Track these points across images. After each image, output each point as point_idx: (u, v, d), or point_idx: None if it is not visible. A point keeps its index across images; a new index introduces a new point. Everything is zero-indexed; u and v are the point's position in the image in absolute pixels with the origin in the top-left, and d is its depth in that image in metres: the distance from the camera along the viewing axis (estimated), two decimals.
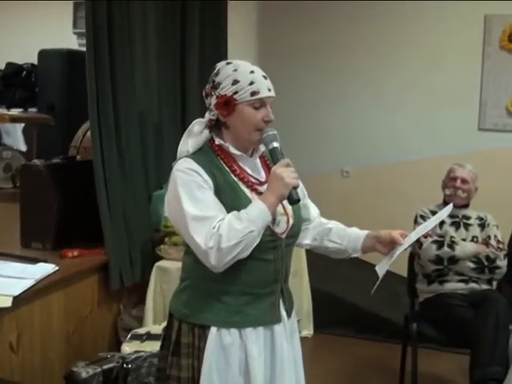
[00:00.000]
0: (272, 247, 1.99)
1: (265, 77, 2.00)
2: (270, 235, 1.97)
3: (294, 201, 1.90)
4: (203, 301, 2.01)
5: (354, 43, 5.62)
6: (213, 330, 1.97)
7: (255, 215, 1.86)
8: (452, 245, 3.69)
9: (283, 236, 2.01)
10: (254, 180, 2.02)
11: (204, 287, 2.02)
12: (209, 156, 2.01)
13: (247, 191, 1.98)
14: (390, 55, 5.54)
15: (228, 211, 1.90)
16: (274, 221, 1.96)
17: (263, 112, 1.97)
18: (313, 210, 2.25)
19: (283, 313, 2.07)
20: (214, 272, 1.91)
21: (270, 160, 2.05)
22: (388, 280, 5.54)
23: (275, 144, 1.95)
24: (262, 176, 2.06)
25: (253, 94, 1.95)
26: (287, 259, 2.08)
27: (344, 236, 2.22)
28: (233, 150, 2.01)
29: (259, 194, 1.97)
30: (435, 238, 3.76)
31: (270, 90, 1.98)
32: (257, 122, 1.96)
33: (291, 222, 2.03)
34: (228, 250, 1.84)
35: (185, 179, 1.96)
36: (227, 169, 1.99)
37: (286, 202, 1.98)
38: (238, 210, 1.89)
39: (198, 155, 2.01)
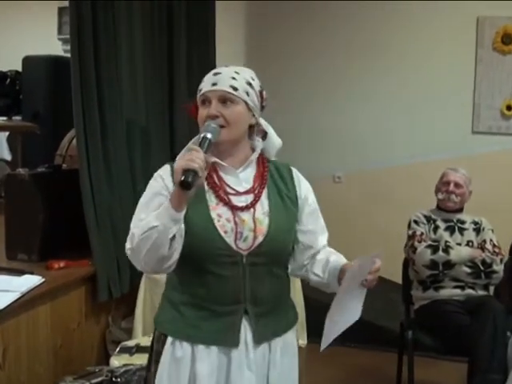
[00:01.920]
0: (229, 262, 1.91)
1: (217, 73, 1.98)
2: (225, 249, 1.89)
3: (180, 183, 1.73)
4: (167, 310, 2.02)
5: (343, 45, 5.59)
6: (169, 340, 1.96)
7: (161, 210, 1.80)
8: (447, 249, 3.65)
9: (245, 252, 1.91)
10: (229, 190, 1.95)
11: (170, 296, 2.03)
12: None
13: (213, 200, 1.93)
14: (381, 57, 5.50)
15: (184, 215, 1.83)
16: (237, 235, 1.89)
17: (208, 108, 1.93)
18: (321, 239, 2.08)
19: (246, 337, 1.95)
20: (178, 281, 1.96)
21: (275, 169, 2.04)
22: (383, 287, 5.51)
23: (207, 135, 1.85)
24: (245, 187, 1.97)
25: (200, 91, 1.98)
26: (256, 280, 1.94)
27: (325, 268, 2.04)
28: (217, 160, 1.96)
29: (227, 204, 1.92)
30: (430, 242, 3.71)
31: (214, 83, 1.94)
32: (201, 119, 1.94)
33: (259, 239, 1.92)
34: (137, 248, 1.83)
35: (149, 184, 2.00)
36: None
37: (261, 217, 1.93)
38: (192, 215, 1.85)
39: None
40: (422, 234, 3.76)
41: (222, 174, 1.98)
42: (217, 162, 1.96)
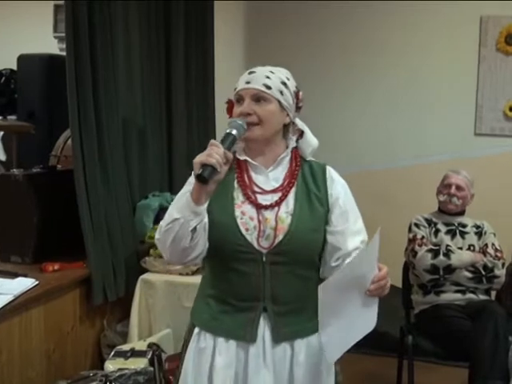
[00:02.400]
0: (249, 259, 1.95)
1: (251, 72, 2.01)
2: (246, 246, 1.94)
3: (197, 177, 1.80)
4: (198, 302, 2.11)
5: (343, 45, 5.56)
6: (196, 330, 2.06)
7: (182, 203, 1.87)
8: (448, 253, 3.61)
9: (265, 251, 1.94)
10: (256, 188, 2.00)
11: (202, 289, 2.11)
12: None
13: (240, 197, 1.98)
14: (383, 57, 5.48)
15: (208, 209, 1.91)
16: (260, 233, 1.93)
17: (242, 105, 1.98)
18: (351, 241, 2.02)
19: (264, 334, 1.98)
20: (208, 275, 2.06)
21: (309, 169, 2.06)
22: None
23: (233, 131, 1.90)
24: (273, 185, 2.00)
25: (235, 89, 2.01)
26: (276, 279, 1.95)
27: None
28: (248, 159, 2.03)
29: (252, 202, 1.97)
30: (430, 246, 3.67)
31: (248, 82, 1.98)
32: (235, 116, 1.98)
33: (280, 237, 1.94)
34: (163, 239, 1.91)
35: (188, 180, 2.03)
36: (236, 172, 2.02)
37: (284, 216, 1.95)
38: (217, 211, 1.94)
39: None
40: (423, 237, 3.71)
41: (252, 172, 2.03)
42: (247, 161, 2.02)
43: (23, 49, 5.17)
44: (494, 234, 3.78)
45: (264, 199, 1.98)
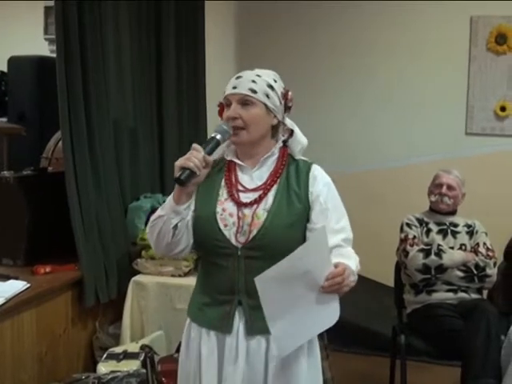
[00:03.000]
0: (226, 254, 2.03)
1: (238, 76, 2.07)
2: (223, 241, 2.02)
3: (175, 179, 1.93)
4: (192, 294, 2.22)
5: (334, 45, 5.57)
6: (188, 320, 2.19)
7: (166, 203, 2.04)
8: (439, 253, 3.61)
9: (240, 245, 2.02)
10: (240, 187, 2.09)
11: (196, 282, 2.22)
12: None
13: (224, 194, 2.08)
14: (373, 57, 5.48)
15: (195, 205, 2.07)
16: (238, 229, 2.02)
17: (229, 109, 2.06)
18: (330, 239, 1.96)
19: (238, 327, 2.06)
20: (199, 270, 2.20)
21: (295, 167, 2.11)
22: (375, 291, 5.47)
23: (217, 136, 2.01)
24: (256, 184, 2.09)
25: (224, 93, 2.09)
26: (251, 273, 1.95)
27: None
28: (235, 160, 2.12)
29: (234, 200, 2.05)
30: (422, 246, 3.67)
31: (234, 87, 2.04)
32: (224, 119, 2.06)
33: (254, 232, 2.01)
34: (150, 233, 2.08)
35: None
36: (225, 172, 2.12)
37: (261, 212, 2.02)
38: (201, 207, 2.06)
39: (223, 154, 2.16)
40: (415, 237, 3.72)
41: (238, 172, 2.12)
42: (235, 162, 2.12)
43: (14, 51, 5.16)
44: (486, 234, 3.78)
45: (246, 197, 2.06)
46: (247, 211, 2.03)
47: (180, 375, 2.21)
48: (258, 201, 2.04)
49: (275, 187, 2.06)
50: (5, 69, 5.22)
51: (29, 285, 3.17)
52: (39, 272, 3.42)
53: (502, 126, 5.27)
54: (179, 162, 1.93)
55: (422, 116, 5.40)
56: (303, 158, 2.16)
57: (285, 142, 2.15)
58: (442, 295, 3.65)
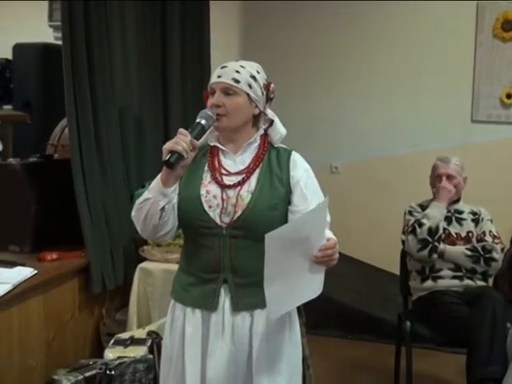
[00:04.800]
0: (211, 234, 2.12)
1: (223, 66, 2.17)
2: (207, 221, 2.12)
3: (163, 162, 2.01)
4: (176, 275, 2.30)
5: (342, 34, 5.54)
6: (172, 301, 2.26)
7: (153, 185, 2.10)
8: (420, 222, 3.59)
9: (225, 225, 2.11)
10: (223, 171, 2.18)
11: (180, 263, 2.32)
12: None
13: (207, 178, 2.17)
14: (379, 46, 5.47)
15: (180, 188, 2.14)
16: (222, 210, 2.11)
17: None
18: None
19: (224, 304, 2.15)
20: (183, 250, 2.28)
21: (276, 154, 2.22)
22: (380, 278, 5.48)
23: (202, 121, 2.09)
24: (239, 168, 2.18)
25: (209, 82, 2.20)
26: (236, 252, 2.13)
27: None
28: (218, 145, 2.22)
29: (218, 182, 2.15)
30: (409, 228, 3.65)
31: (219, 76, 2.14)
32: (208, 107, 2.15)
33: (238, 213, 2.11)
34: (137, 216, 2.15)
35: None
36: (208, 157, 2.22)
37: (245, 194, 2.12)
38: (185, 190, 2.14)
39: (207, 140, 2.24)
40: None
41: (221, 157, 2.21)
42: (218, 147, 2.22)
43: (19, 38, 5.15)
44: (491, 221, 3.76)
45: (229, 180, 2.16)
46: (231, 193, 2.13)
47: (163, 357, 2.29)
48: (241, 183, 2.14)
49: (257, 171, 2.17)
50: (10, 56, 5.22)
51: (36, 271, 3.19)
52: (46, 259, 3.43)
53: (508, 114, 5.25)
54: (168, 146, 2.00)
55: (427, 104, 5.38)
56: (283, 145, 2.27)
57: (265, 130, 2.26)
58: (447, 282, 3.64)
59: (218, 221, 2.12)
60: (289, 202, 2.17)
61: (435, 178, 3.78)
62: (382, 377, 4.07)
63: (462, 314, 3.43)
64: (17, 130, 4.66)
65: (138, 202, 2.14)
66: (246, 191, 2.13)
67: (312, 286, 2.01)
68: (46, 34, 5.35)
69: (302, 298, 2.04)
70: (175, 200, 2.13)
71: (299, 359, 2.28)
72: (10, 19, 6.10)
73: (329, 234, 2.05)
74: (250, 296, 2.13)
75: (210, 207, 2.12)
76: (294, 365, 2.24)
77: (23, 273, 3.14)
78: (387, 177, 5.41)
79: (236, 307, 2.14)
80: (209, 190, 2.14)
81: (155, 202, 2.07)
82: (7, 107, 5.18)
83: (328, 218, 2.09)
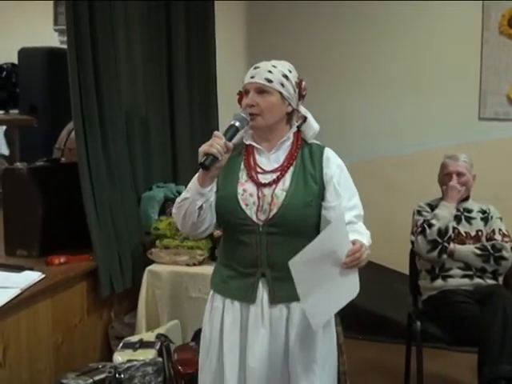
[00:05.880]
0: (248, 231, 2.22)
1: (256, 67, 2.24)
2: (245, 219, 2.21)
3: (199, 164, 2.08)
4: (215, 267, 2.42)
5: (346, 32, 5.53)
6: (211, 291, 2.37)
7: (190, 185, 2.20)
8: (430, 223, 3.56)
9: (261, 223, 2.20)
10: (258, 169, 2.26)
11: (219, 256, 2.46)
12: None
13: (243, 177, 2.26)
14: (385, 44, 5.45)
15: (218, 187, 2.25)
16: (258, 207, 2.19)
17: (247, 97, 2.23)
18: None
19: (262, 297, 2.24)
20: (222, 245, 2.38)
21: (309, 150, 2.29)
22: (389, 278, 5.44)
23: (236, 123, 2.17)
24: (273, 166, 2.26)
25: (243, 83, 2.27)
26: (272, 248, 2.21)
27: None
28: (253, 143, 2.30)
29: (254, 181, 2.23)
30: (419, 229, 3.63)
31: (252, 77, 2.22)
32: (243, 106, 2.24)
33: (274, 211, 2.19)
34: (177, 213, 2.24)
35: None
36: (244, 156, 2.30)
37: (279, 192, 2.20)
38: (223, 189, 2.24)
39: (242, 141, 2.32)
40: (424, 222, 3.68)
41: (256, 155, 2.30)
42: (253, 146, 2.30)
43: (24, 42, 5.17)
44: (501, 219, 3.73)
45: (264, 178, 2.24)
46: (266, 191, 2.21)
47: (202, 347, 2.38)
48: (276, 181, 2.22)
49: (291, 169, 2.25)
50: (15, 61, 5.24)
51: (44, 275, 3.19)
52: (54, 263, 3.43)
53: None
54: (203, 148, 2.07)
55: (434, 102, 5.36)
56: (316, 141, 2.35)
57: (298, 127, 2.32)
58: (457, 281, 3.62)
59: (254, 218, 2.21)
60: (323, 199, 2.25)
61: (444, 176, 3.76)
62: (392, 377, 4.05)
63: (472, 313, 3.40)
64: (23, 133, 4.68)
65: (177, 200, 2.24)
66: (281, 189, 2.21)
67: (348, 288, 2.08)
68: (51, 38, 5.37)
69: (341, 302, 2.10)
70: (212, 198, 2.22)
71: (333, 347, 2.36)
72: (16, 24, 6.12)
73: (355, 235, 2.13)
74: (286, 289, 2.19)
75: (246, 205, 2.21)
76: (328, 353, 2.32)
77: (31, 277, 3.14)
78: (395, 176, 5.39)
79: (273, 300, 2.23)
80: (245, 189, 2.23)
81: (193, 202, 2.17)
82: (13, 111, 5.20)
83: (362, 212, 2.28)
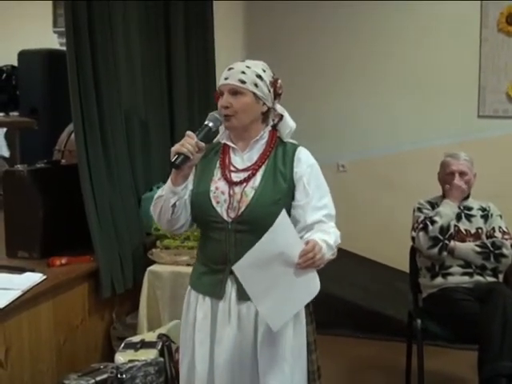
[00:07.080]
0: (218, 228, 2.25)
1: (230, 68, 2.27)
2: (215, 216, 2.24)
3: (170, 164, 2.15)
4: (194, 265, 2.46)
5: (345, 31, 5.54)
6: (188, 288, 2.41)
7: (166, 184, 2.26)
8: (432, 219, 3.57)
9: (230, 220, 2.23)
10: (232, 168, 2.30)
11: (196, 255, 2.48)
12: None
13: (217, 175, 2.30)
14: (384, 42, 5.47)
15: (194, 184, 2.30)
16: (229, 205, 2.23)
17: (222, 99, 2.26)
18: (310, 216, 2.25)
19: (230, 293, 2.26)
20: (199, 243, 2.42)
21: (282, 149, 2.31)
22: (388, 276, 5.45)
23: (209, 123, 2.23)
24: (246, 165, 2.29)
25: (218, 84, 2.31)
26: (241, 245, 2.21)
27: None
28: (228, 143, 2.33)
29: (226, 179, 2.27)
30: (420, 225, 3.63)
31: (226, 78, 2.25)
32: (219, 108, 2.27)
33: (242, 209, 2.22)
34: (153, 211, 2.32)
35: None
36: (220, 155, 2.33)
37: (249, 190, 2.23)
38: (197, 186, 2.29)
39: (219, 140, 2.38)
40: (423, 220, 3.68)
41: (232, 154, 2.33)
42: (228, 145, 2.33)
43: (24, 45, 5.17)
44: (501, 216, 3.73)
45: (237, 176, 2.27)
46: (237, 189, 2.25)
47: (181, 339, 2.43)
48: (247, 180, 2.26)
49: (263, 167, 2.28)
50: (15, 63, 5.24)
51: (45, 277, 3.19)
52: (55, 264, 3.43)
53: None
54: (174, 148, 2.14)
55: (434, 99, 5.37)
56: (291, 140, 2.37)
57: (275, 125, 2.35)
58: (457, 279, 3.61)
59: (224, 216, 2.24)
60: (293, 198, 2.27)
61: (446, 176, 3.74)
62: (393, 375, 4.04)
63: (472, 311, 3.40)
64: (24, 135, 4.68)
65: (154, 198, 2.30)
66: (251, 187, 2.24)
67: (307, 288, 2.09)
68: (50, 40, 5.37)
69: (300, 302, 2.14)
70: (186, 197, 2.27)
71: (303, 346, 2.34)
72: (15, 26, 6.12)
73: (320, 234, 2.15)
74: None
75: (217, 203, 2.25)
76: (298, 351, 2.30)
77: (32, 278, 3.14)
78: (394, 174, 5.39)
79: (241, 297, 2.23)
80: (218, 187, 2.27)
81: (167, 200, 2.23)
82: (14, 114, 5.20)
83: (333, 212, 2.27)
